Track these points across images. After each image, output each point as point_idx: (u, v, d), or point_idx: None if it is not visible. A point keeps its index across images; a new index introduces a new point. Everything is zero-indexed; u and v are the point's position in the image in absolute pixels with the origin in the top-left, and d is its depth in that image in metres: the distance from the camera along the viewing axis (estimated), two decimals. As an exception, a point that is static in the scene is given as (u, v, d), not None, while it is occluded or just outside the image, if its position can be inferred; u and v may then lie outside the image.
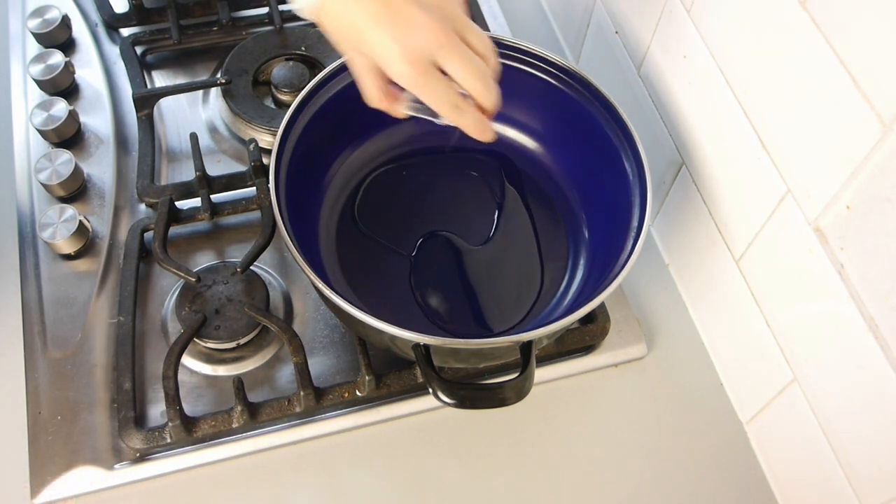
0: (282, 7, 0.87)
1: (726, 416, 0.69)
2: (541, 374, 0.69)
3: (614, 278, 0.58)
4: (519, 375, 0.55)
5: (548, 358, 0.70)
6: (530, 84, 0.69)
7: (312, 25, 0.87)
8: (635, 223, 0.62)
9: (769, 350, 0.62)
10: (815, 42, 0.49)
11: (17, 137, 0.78)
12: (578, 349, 0.70)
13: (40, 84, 0.80)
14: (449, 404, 0.55)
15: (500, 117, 0.73)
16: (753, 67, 0.56)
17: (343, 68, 0.64)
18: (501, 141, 0.74)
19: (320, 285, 0.55)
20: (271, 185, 0.60)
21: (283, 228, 0.58)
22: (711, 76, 0.61)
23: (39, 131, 0.76)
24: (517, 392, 0.55)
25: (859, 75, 0.46)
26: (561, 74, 0.67)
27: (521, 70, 0.69)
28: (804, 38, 0.50)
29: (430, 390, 0.55)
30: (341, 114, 0.67)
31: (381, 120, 0.71)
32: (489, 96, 0.52)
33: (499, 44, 0.68)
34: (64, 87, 0.80)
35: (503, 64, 0.69)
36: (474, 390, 0.57)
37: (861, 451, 0.54)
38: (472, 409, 0.56)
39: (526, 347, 0.57)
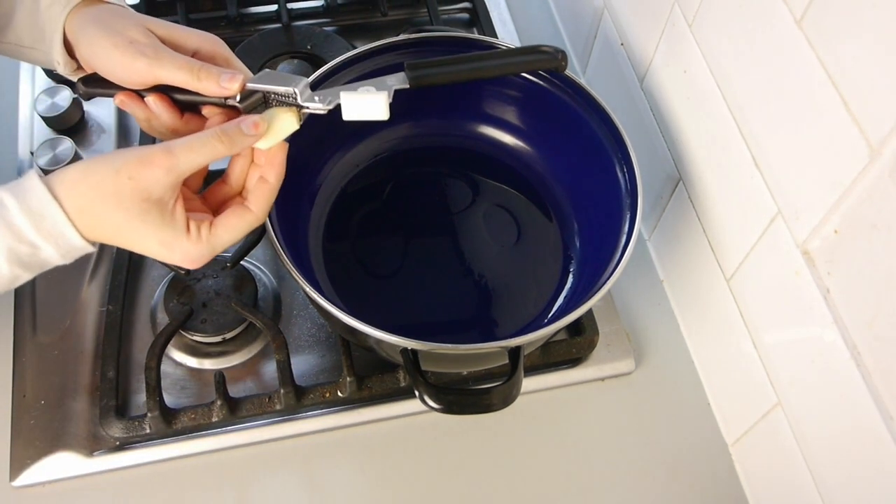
0: (290, 5, 0.87)
1: (712, 436, 0.68)
2: (527, 384, 0.68)
3: (601, 287, 0.58)
4: (506, 381, 0.55)
5: (535, 368, 0.69)
6: (526, 90, 0.69)
7: (320, 25, 0.87)
8: (625, 233, 0.61)
9: (755, 372, 0.61)
10: (809, 62, 0.48)
11: (21, 123, 0.79)
12: (566, 361, 0.70)
13: (48, 72, 0.81)
14: (436, 409, 0.54)
15: (496, 122, 0.74)
16: (749, 85, 0.56)
17: (338, 69, 0.64)
18: (497, 146, 0.74)
19: (308, 289, 0.55)
20: (261, 181, 0.60)
21: (270, 225, 0.58)
22: (709, 92, 0.61)
23: (43, 118, 0.77)
24: (503, 398, 0.55)
25: (850, 97, 0.45)
26: (557, 81, 0.67)
27: (518, 74, 0.68)
28: (798, 57, 0.49)
29: (417, 394, 0.54)
30: (336, 114, 0.67)
31: (376, 123, 0.71)
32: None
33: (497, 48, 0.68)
34: (70, 75, 0.81)
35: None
36: (461, 395, 0.57)
37: (840, 482, 0.53)
38: (459, 415, 0.56)
39: (514, 353, 0.57)
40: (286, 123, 0.52)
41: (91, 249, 0.49)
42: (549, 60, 0.57)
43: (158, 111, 0.53)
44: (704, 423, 0.69)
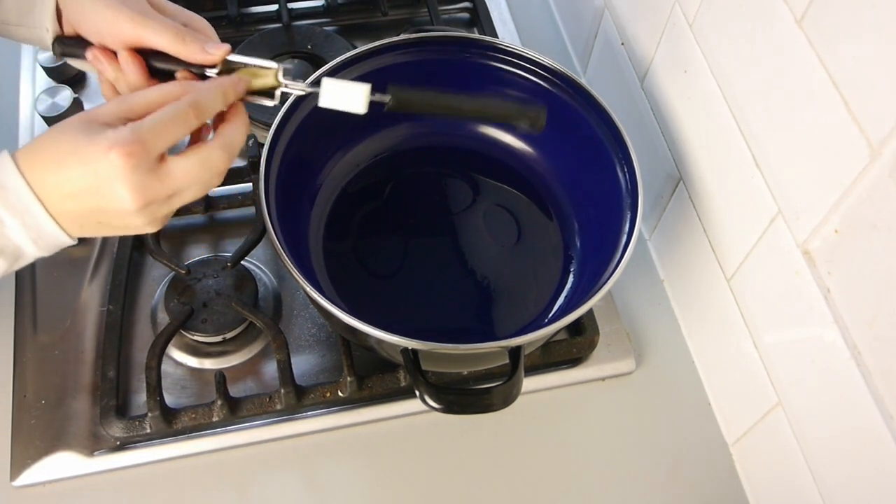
0: (290, 5, 0.87)
1: (712, 436, 0.68)
2: (527, 383, 0.67)
3: (601, 287, 0.58)
4: (506, 381, 0.55)
5: (535, 368, 0.69)
6: (527, 90, 0.68)
7: (320, 24, 0.87)
8: (625, 233, 0.61)
9: (756, 372, 0.61)
10: (809, 62, 0.48)
11: (21, 123, 0.79)
12: (566, 361, 0.70)
13: (48, 71, 0.81)
14: (436, 409, 0.54)
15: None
16: (750, 84, 0.56)
17: (338, 69, 0.64)
18: (497, 146, 0.74)
19: (308, 288, 0.55)
20: (261, 181, 0.60)
21: (269, 224, 0.58)
22: (710, 92, 0.61)
23: (44, 118, 0.77)
24: (504, 398, 0.55)
25: (850, 97, 0.45)
26: (556, 80, 0.67)
27: (517, 74, 0.68)
28: (798, 57, 0.49)
29: (418, 394, 0.54)
30: (336, 114, 0.67)
31: (376, 122, 0.71)
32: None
33: (497, 49, 0.68)
34: (71, 75, 0.81)
35: (504, 70, 0.69)
36: (462, 395, 0.57)
37: (840, 482, 0.53)
38: (459, 415, 0.56)
39: (515, 353, 0.57)
40: (262, 81, 0.52)
41: (62, 235, 0.48)
42: (526, 117, 0.56)
43: (129, 69, 0.52)
44: (705, 423, 0.69)
